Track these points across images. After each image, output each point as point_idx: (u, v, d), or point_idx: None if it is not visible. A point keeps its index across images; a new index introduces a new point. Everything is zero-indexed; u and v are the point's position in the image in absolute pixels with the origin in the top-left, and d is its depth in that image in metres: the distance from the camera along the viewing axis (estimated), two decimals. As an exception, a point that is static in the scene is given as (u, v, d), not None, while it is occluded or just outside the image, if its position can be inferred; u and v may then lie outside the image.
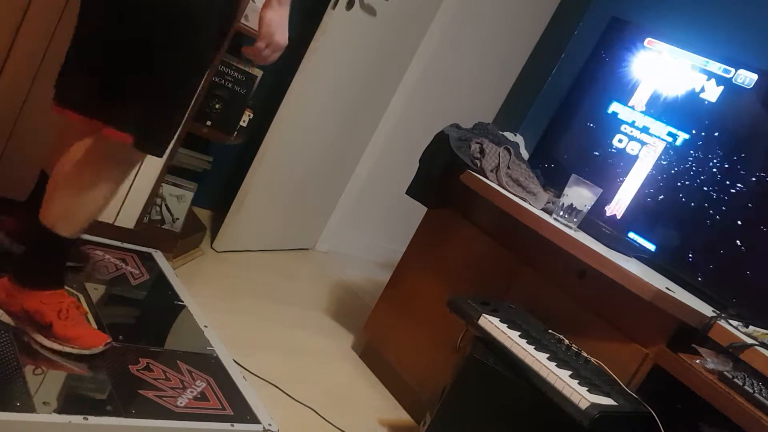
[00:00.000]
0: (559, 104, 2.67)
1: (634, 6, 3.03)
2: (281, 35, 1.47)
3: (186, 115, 1.64)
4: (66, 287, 1.59)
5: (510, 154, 2.22)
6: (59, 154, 1.70)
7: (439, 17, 3.13)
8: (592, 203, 1.99)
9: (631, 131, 2.36)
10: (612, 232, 2.20)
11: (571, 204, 1.98)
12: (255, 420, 1.61)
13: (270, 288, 2.73)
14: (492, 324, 1.70)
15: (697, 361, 1.58)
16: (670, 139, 2.27)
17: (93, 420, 1.35)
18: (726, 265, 2.01)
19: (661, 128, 2.30)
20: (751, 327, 1.66)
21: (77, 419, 1.33)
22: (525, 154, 2.40)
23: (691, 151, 2.20)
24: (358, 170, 3.33)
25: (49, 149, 1.73)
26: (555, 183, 2.44)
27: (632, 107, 2.39)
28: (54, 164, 1.70)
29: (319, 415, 1.96)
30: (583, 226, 2.03)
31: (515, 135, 2.45)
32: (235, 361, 1.83)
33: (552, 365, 1.57)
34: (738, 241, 2.01)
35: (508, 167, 2.18)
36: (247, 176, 2.76)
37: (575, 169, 2.14)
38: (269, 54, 1.48)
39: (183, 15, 1.40)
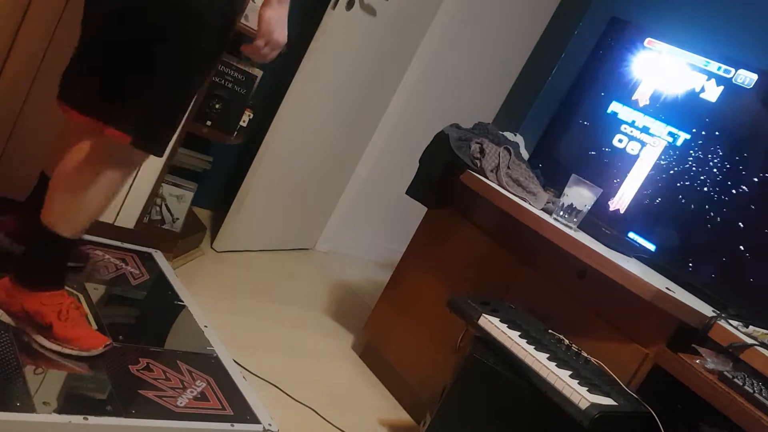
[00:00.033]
0: (559, 104, 2.67)
1: (634, 6, 3.03)
2: (280, 33, 1.47)
3: (186, 115, 1.64)
4: (66, 287, 1.59)
5: (510, 154, 2.22)
6: (59, 154, 1.70)
7: (439, 17, 3.13)
8: (592, 203, 1.99)
9: (631, 131, 2.36)
10: (612, 232, 2.20)
11: (571, 204, 1.98)
12: (255, 420, 1.61)
13: (270, 288, 2.73)
14: (492, 324, 1.70)
15: (697, 361, 1.58)
16: (670, 139, 2.27)
17: (93, 420, 1.35)
18: (726, 265, 2.01)
19: (661, 128, 2.30)
20: (751, 327, 1.66)
21: (77, 419, 1.33)
22: (525, 154, 2.40)
23: (691, 151, 2.20)
24: (358, 170, 3.33)
25: (49, 150, 1.73)
26: (555, 183, 2.44)
27: (632, 107, 2.39)
28: (54, 165, 1.71)
29: (319, 415, 1.96)
30: (583, 226, 2.03)
31: (515, 135, 2.45)
32: (235, 361, 1.83)
33: (552, 365, 1.57)
34: (738, 241, 2.01)
35: (508, 167, 2.18)
36: (247, 176, 2.76)
37: (575, 169, 2.14)
38: (268, 52, 1.48)
39: (184, 14, 1.40)
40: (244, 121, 2.52)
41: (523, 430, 1.63)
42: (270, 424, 1.62)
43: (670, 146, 2.26)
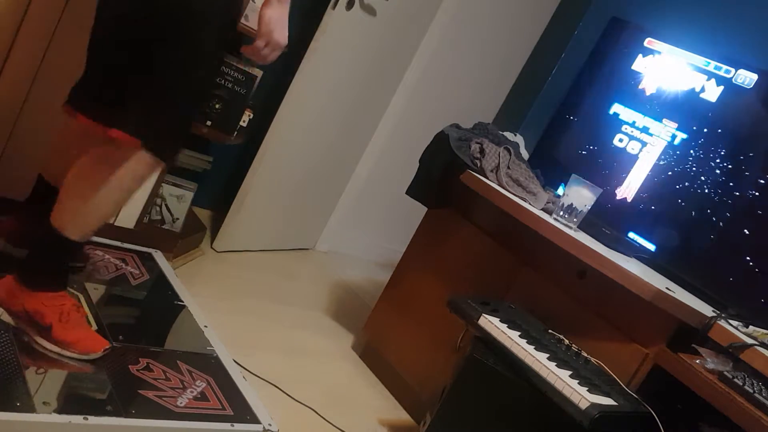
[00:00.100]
0: (559, 104, 2.67)
1: (634, 6, 3.03)
2: (280, 33, 1.46)
3: (194, 118, 1.63)
4: (67, 288, 1.59)
5: (510, 154, 2.22)
6: (58, 157, 1.71)
7: (439, 17, 3.13)
8: (592, 203, 1.99)
9: (632, 131, 2.36)
10: (612, 232, 2.20)
11: (571, 204, 1.98)
12: (255, 420, 1.61)
13: (270, 288, 2.73)
14: (492, 324, 1.70)
15: (697, 361, 1.58)
16: (669, 140, 2.27)
17: (93, 420, 1.35)
18: (726, 265, 2.01)
19: (660, 128, 2.30)
20: (751, 327, 1.66)
21: (77, 419, 1.33)
22: (525, 154, 2.40)
23: (691, 151, 2.20)
24: (358, 170, 3.33)
25: (47, 152, 1.73)
26: (555, 183, 2.44)
27: (632, 107, 2.39)
28: (52, 168, 1.71)
29: (319, 415, 1.96)
30: (583, 226, 2.03)
31: (515, 135, 2.45)
32: (235, 361, 1.83)
33: (552, 365, 1.57)
34: (738, 241, 2.01)
35: (508, 167, 2.18)
36: (247, 176, 2.76)
37: (575, 169, 2.14)
38: (268, 53, 1.47)
39: (186, 12, 1.39)
40: (244, 121, 2.52)
41: (523, 430, 1.63)
42: (270, 424, 1.62)
43: (670, 146, 2.26)
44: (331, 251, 3.47)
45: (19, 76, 1.88)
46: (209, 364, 1.75)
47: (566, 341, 1.75)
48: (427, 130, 2.33)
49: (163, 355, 1.69)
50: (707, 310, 1.76)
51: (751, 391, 1.45)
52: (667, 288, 1.74)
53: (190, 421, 1.50)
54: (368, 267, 3.55)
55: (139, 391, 1.51)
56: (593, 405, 1.45)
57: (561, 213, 2.00)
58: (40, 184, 1.72)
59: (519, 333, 1.69)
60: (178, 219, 2.44)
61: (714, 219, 2.09)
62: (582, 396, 1.47)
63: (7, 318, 1.50)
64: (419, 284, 2.33)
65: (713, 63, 2.23)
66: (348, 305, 2.93)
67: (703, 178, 2.14)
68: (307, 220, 3.28)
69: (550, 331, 1.79)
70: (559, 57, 3.46)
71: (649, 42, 2.41)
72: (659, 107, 2.32)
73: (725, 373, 1.51)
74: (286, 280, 2.92)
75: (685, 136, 2.23)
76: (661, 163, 2.26)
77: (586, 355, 1.71)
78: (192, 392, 1.59)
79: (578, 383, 1.52)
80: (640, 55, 2.41)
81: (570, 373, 1.56)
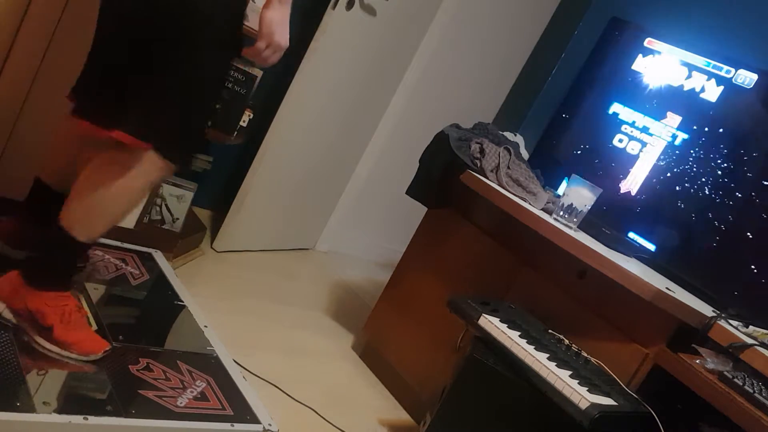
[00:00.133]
0: (559, 104, 2.67)
1: (634, 6, 3.03)
2: (281, 35, 1.44)
3: (202, 120, 1.61)
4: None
5: (510, 154, 2.22)
6: (54, 158, 1.71)
7: (439, 17, 3.13)
8: (592, 203, 1.99)
9: (632, 131, 2.36)
10: (612, 232, 2.20)
11: (571, 204, 1.98)
12: (255, 420, 1.61)
13: (270, 288, 2.73)
14: (492, 324, 1.70)
15: (697, 361, 1.58)
16: (670, 139, 2.27)
17: (93, 420, 1.35)
18: (726, 266, 2.01)
19: (661, 128, 2.30)
20: (751, 327, 1.66)
21: (77, 419, 1.33)
22: (525, 154, 2.40)
23: (691, 151, 2.20)
24: (358, 170, 3.33)
25: (45, 154, 1.73)
26: (555, 183, 2.45)
27: (632, 107, 2.39)
28: (49, 169, 1.71)
29: (319, 415, 1.96)
30: (583, 226, 2.03)
31: (515, 135, 2.45)
32: (235, 361, 1.83)
33: (552, 365, 1.57)
34: (738, 241, 2.01)
35: (508, 167, 2.18)
36: (247, 176, 2.76)
37: (575, 169, 2.14)
38: (270, 54, 1.46)
39: (186, 12, 1.39)
40: (244, 121, 2.52)
41: (523, 430, 1.63)
42: (270, 424, 1.62)
43: (670, 146, 2.26)
44: (331, 251, 3.47)
45: (19, 76, 1.88)
46: (209, 364, 1.75)
47: (566, 341, 1.75)
48: (427, 130, 2.33)
49: (163, 355, 1.69)
50: (707, 310, 1.76)
51: (751, 391, 1.45)
52: (667, 288, 1.74)
53: (190, 421, 1.50)
54: (368, 267, 3.55)
55: (139, 391, 1.51)
56: (593, 405, 1.45)
57: (561, 213, 2.00)
58: (37, 186, 1.72)
59: (519, 333, 1.69)
60: (178, 219, 2.44)
61: (714, 219, 2.09)
62: (582, 396, 1.47)
63: (8, 315, 1.50)
64: (419, 284, 2.33)
65: (713, 63, 2.23)
66: (348, 305, 2.93)
67: (703, 178, 2.14)
68: (307, 220, 3.28)
69: (550, 331, 1.79)
70: (559, 57, 3.46)
71: (649, 42, 2.41)
72: (659, 107, 2.32)
73: (725, 373, 1.51)
74: (286, 280, 2.92)
75: (685, 136, 2.23)
76: (661, 163, 2.26)
77: (586, 355, 1.71)
78: (192, 392, 1.59)
79: (578, 383, 1.52)
80: (640, 55, 2.41)
81: (570, 373, 1.56)
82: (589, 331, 1.81)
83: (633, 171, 2.32)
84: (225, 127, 2.43)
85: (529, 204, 2.08)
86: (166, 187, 2.37)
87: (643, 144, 2.32)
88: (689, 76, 2.28)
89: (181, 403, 1.53)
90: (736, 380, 1.48)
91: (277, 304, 2.61)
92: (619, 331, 1.77)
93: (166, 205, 2.40)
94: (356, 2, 2.63)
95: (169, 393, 1.55)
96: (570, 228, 1.96)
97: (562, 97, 2.69)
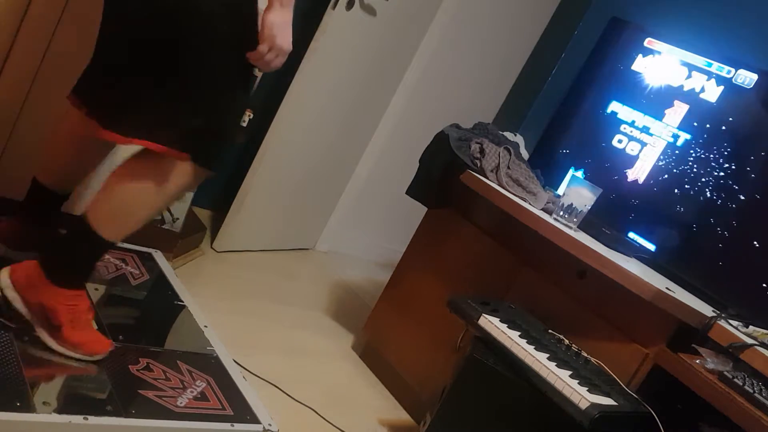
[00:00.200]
0: (559, 104, 2.67)
1: (634, 6, 3.03)
2: (283, 38, 1.42)
3: (238, 121, 1.60)
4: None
5: (510, 154, 2.22)
6: (52, 159, 1.70)
7: (439, 17, 3.13)
8: (592, 203, 1.99)
9: (631, 131, 2.36)
10: (612, 232, 2.20)
11: (571, 204, 1.98)
12: (255, 420, 1.61)
13: (270, 288, 2.73)
14: (492, 324, 1.70)
15: (697, 361, 1.58)
16: (670, 139, 2.27)
17: (93, 420, 1.35)
18: (726, 265, 2.01)
19: (661, 128, 2.30)
20: (751, 327, 1.66)
21: (77, 419, 1.33)
22: (525, 154, 2.40)
23: (691, 151, 2.20)
24: (358, 170, 3.33)
25: (43, 155, 1.72)
26: (555, 183, 2.45)
27: (632, 107, 2.39)
28: (47, 170, 1.70)
29: (319, 415, 1.96)
30: (583, 226, 2.03)
31: (515, 135, 2.45)
32: (235, 361, 1.83)
33: (552, 365, 1.57)
34: (738, 241, 2.01)
35: (508, 167, 2.18)
36: (247, 176, 2.76)
37: (577, 163, 2.14)
38: (272, 58, 1.43)
39: (189, 12, 1.38)
40: (244, 121, 2.52)
41: (523, 430, 1.63)
42: (270, 424, 1.62)
43: (670, 146, 2.26)
44: (331, 251, 3.47)
45: (19, 76, 1.88)
46: (209, 364, 1.75)
47: (566, 341, 1.75)
48: (427, 130, 2.33)
49: (163, 355, 1.69)
50: (707, 310, 1.76)
51: (751, 391, 1.45)
52: (667, 288, 1.74)
53: (190, 421, 1.50)
54: (368, 267, 3.55)
55: (139, 391, 1.50)
56: (593, 405, 1.45)
57: (561, 213, 2.00)
58: (35, 188, 1.71)
59: (519, 333, 1.69)
60: (178, 219, 2.43)
61: (714, 219, 2.09)
62: (582, 396, 1.47)
63: (19, 305, 1.47)
64: (419, 284, 2.33)
65: (713, 63, 2.23)
66: (348, 305, 2.93)
67: (703, 178, 2.14)
68: (307, 220, 3.28)
69: (550, 331, 1.79)
70: (559, 57, 3.46)
71: (649, 42, 2.41)
72: (659, 107, 2.32)
73: (725, 373, 1.51)
74: (286, 280, 2.92)
75: (685, 136, 2.23)
76: (661, 163, 2.26)
77: (586, 355, 1.71)
78: (192, 392, 1.59)
79: (578, 383, 1.52)
80: (640, 55, 2.41)
81: (570, 373, 1.56)
82: (589, 331, 1.81)
83: (633, 171, 2.32)
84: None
85: (529, 204, 2.08)
86: (166, 187, 2.37)
87: (643, 144, 2.32)
88: (689, 76, 2.28)
89: (181, 403, 1.53)
90: (736, 380, 1.48)
91: (277, 304, 2.61)
92: (619, 331, 1.77)
93: (166, 205, 2.40)
94: (356, 2, 2.63)
95: (169, 393, 1.55)
96: (570, 228, 1.96)
97: (562, 97, 2.69)
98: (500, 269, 2.10)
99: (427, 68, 3.23)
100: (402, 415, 2.23)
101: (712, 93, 2.21)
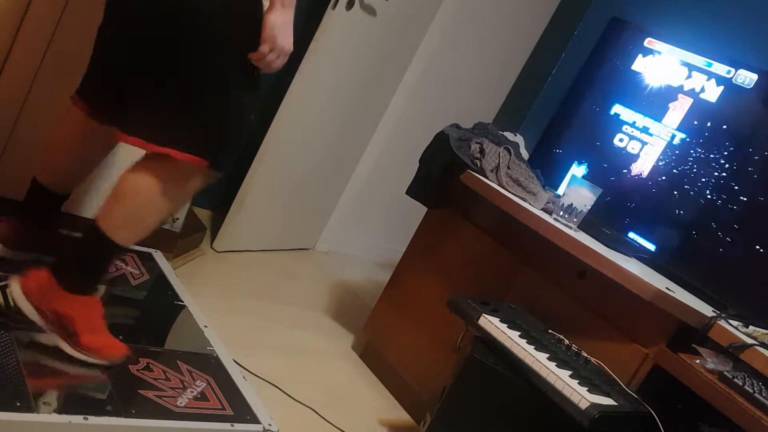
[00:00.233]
0: (559, 104, 2.67)
1: (634, 6, 3.03)
2: (285, 39, 1.42)
3: (249, 121, 1.59)
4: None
5: (510, 154, 2.22)
6: (52, 160, 1.70)
7: (439, 17, 3.13)
8: (592, 203, 1.99)
9: (632, 131, 2.36)
10: (612, 232, 2.20)
11: (571, 204, 1.98)
12: (255, 420, 1.61)
13: (270, 288, 2.73)
14: (492, 324, 1.70)
15: (697, 361, 1.58)
16: (669, 139, 2.26)
17: (93, 420, 1.35)
18: (726, 265, 2.01)
19: (660, 128, 2.30)
20: (751, 327, 1.66)
21: (77, 419, 1.33)
22: (525, 154, 2.40)
23: (691, 151, 2.20)
24: (358, 170, 3.33)
25: (41, 154, 1.72)
26: (555, 183, 2.45)
27: (632, 107, 2.39)
28: (47, 171, 1.70)
29: (319, 415, 1.96)
30: (583, 226, 2.03)
31: (515, 135, 2.45)
32: (235, 361, 1.83)
33: (552, 365, 1.57)
34: (738, 241, 2.01)
35: (508, 167, 2.18)
36: (247, 176, 2.76)
37: (579, 158, 2.14)
38: (274, 59, 1.43)
39: (190, 13, 1.38)
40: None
41: (523, 430, 1.63)
42: (270, 424, 1.62)
43: (670, 146, 2.26)
44: (331, 251, 3.47)
45: (19, 76, 1.88)
46: (209, 364, 1.75)
47: (566, 341, 1.75)
48: (427, 130, 2.33)
49: (163, 355, 1.69)
50: (707, 310, 1.76)
51: (751, 391, 1.45)
52: (667, 288, 1.74)
53: (190, 421, 1.50)
54: (368, 267, 3.55)
55: (139, 391, 1.50)
56: (593, 405, 1.45)
57: (561, 213, 2.00)
58: (35, 188, 1.71)
59: (519, 333, 1.69)
60: (178, 219, 2.43)
61: (714, 219, 2.09)
62: (582, 396, 1.47)
63: (33, 315, 1.46)
64: (419, 284, 2.33)
65: (713, 63, 2.23)
66: (348, 305, 2.93)
67: (703, 178, 2.14)
68: (307, 220, 3.28)
69: (550, 331, 1.79)
70: (559, 57, 3.46)
71: (649, 42, 2.41)
72: (659, 107, 2.32)
73: (725, 373, 1.51)
74: (286, 280, 2.92)
75: (684, 136, 2.23)
76: (661, 163, 2.26)
77: (586, 355, 1.71)
78: (192, 392, 1.59)
79: (578, 383, 1.52)
80: (640, 55, 2.41)
81: (570, 373, 1.56)
82: (589, 331, 1.81)
83: (633, 171, 2.32)
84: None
85: (529, 204, 2.08)
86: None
87: (643, 143, 2.32)
88: (689, 76, 2.28)
89: (181, 403, 1.53)
90: (736, 380, 1.48)
91: (277, 304, 2.61)
92: (619, 331, 1.77)
93: (166, 205, 2.40)
94: (356, 2, 2.63)
95: (169, 393, 1.55)
96: (570, 228, 1.96)
97: (562, 97, 2.69)
98: (500, 269, 2.10)
99: (427, 68, 3.23)
100: (402, 415, 2.23)
101: (712, 93, 2.21)
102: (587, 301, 1.87)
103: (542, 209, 2.11)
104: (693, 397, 1.51)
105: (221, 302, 2.37)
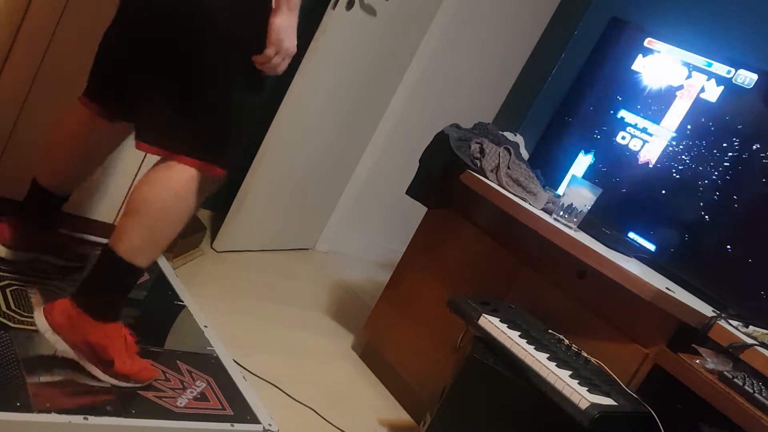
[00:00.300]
0: (559, 104, 2.67)
1: (634, 6, 3.03)
2: (290, 42, 1.42)
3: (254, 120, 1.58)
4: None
5: (510, 154, 2.22)
6: (53, 160, 1.70)
7: (439, 17, 3.13)
8: (592, 203, 1.99)
9: (632, 131, 2.36)
10: (612, 232, 2.20)
11: (571, 204, 1.98)
12: (255, 420, 1.61)
13: (270, 288, 2.73)
14: (492, 324, 1.70)
15: (697, 361, 1.58)
16: (669, 140, 2.26)
17: (93, 420, 1.35)
18: (726, 265, 2.01)
19: (660, 128, 2.30)
20: (751, 327, 1.66)
21: (77, 419, 1.33)
22: (525, 154, 2.40)
23: (691, 151, 2.20)
24: (358, 170, 3.33)
25: (41, 154, 1.72)
26: (555, 183, 2.44)
27: (632, 107, 2.39)
28: (47, 171, 1.70)
29: (319, 415, 1.96)
30: (583, 226, 2.03)
31: (515, 135, 2.45)
32: (235, 361, 1.83)
33: (552, 365, 1.57)
34: (738, 241, 2.01)
35: (508, 167, 2.18)
36: (247, 176, 2.76)
37: (575, 169, 2.14)
38: (279, 61, 1.43)
39: (191, 13, 1.38)
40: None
41: (523, 430, 1.63)
42: (270, 424, 1.62)
43: (670, 146, 2.26)
44: (331, 251, 3.47)
45: (19, 76, 1.88)
46: (209, 364, 1.75)
47: (566, 341, 1.75)
48: (427, 130, 2.33)
49: (163, 355, 1.69)
50: (707, 310, 1.76)
51: (751, 391, 1.45)
52: (667, 288, 1.74)
53: (190, 422, 1.50)
54: (368, 267, 3.55)
55: (139, 392, 1.50)
56: (593, 405, 1.45)
57: (561, 213, 2.00)
58: (35, 189, 1.71)
59: (519, 333, 1.69)
60: (178, 219, 2.43)
61: (714, 219, 2.08)
62: (582, 396, 1.47)
63: (63, 347, 1.44)
64: (419, 284, 2.33)
65: (713, 63, 2.23)
66: (348, 305, 2.93)
67: (703, 178, 2.14)
68: (307, 220, 3.28)
69: (550, 331, 1.79)
70: (559, 57, 3.46)
71: (649, 42, 2.41)
72: (659, 107, 2.32)
73: (725, 373, 1.51)
74: (286, 280, 2.92)
75: (684, 136, 2.23)
76: (661, 163, 2.26)
77: (586, 355, 1.71)
78: (192, 392, 1.59)
79: (578, 383, 1.52)
80: (640, 55, 2.41)
81: (570, 373, 1.56)
82: (589, 331, 1.81)
83: (633, 171, 2.32)
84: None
85: (529, 204, 2.08)
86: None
87: (643, 143, 2.32)
88: (689, 76, 2.28)
89: (181, 403, 1.53)
90: (736, 380, 1.48)
91: (277, 304, 2.61)
92: (619, 331, 1.77)
93: (166, 205, 2.40)
94: (356, 2, 2.63)
95: (169, 393, 1.55)
96: (570, 228, 1.96)
97: (562, 97, 2.69)
98: (500, 269, 2.10)
99: (427, 68, 3.23)
100: (402, 415, 2.23)
101: (712, 93, 2.21)
102: (587, 301, 1.87)
103: (542, 209, 2.11)
104: (693, 397, 1.51)
105: (221, 302, 2.37)
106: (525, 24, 3.50)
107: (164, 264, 2.19)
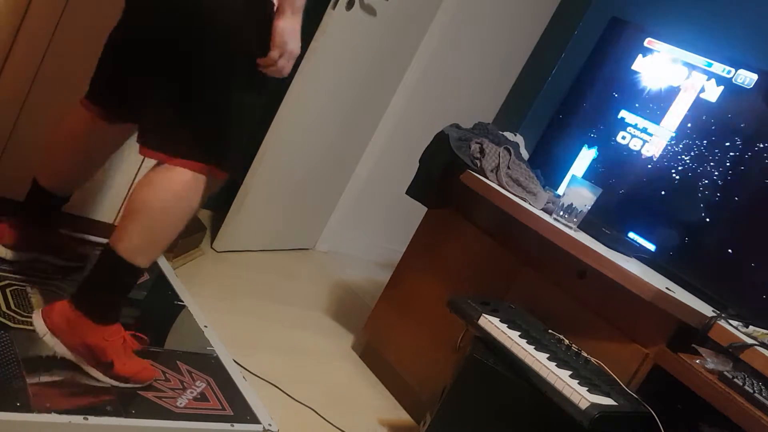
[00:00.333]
0: (559, 104, 2.67)
1: (634, 6, 3.03)
2: (294, 44, 1.42)
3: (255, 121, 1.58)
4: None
5: (510, 154, 2.22)
6: (53, 161, 1.70)
7: (439, 17, 3.13)
8: (592, 203, 1.99)
9: (632, 131, 2.36)
10: (612, 232, 2.20)
11: (571, 204, 1.98)
12: (255, 420, 1.61)
13: (270, 288, 2.73)
14: (492, 324, 1.70)
15: (697, 361, 1.58)
16: (669, 140, 2.26)
17: (93, 420, 1.35)
18: (726, 265, 2.01)
19: (660, 129, 2.30)
20: (751, 327, 1.66)
21: (77, 419, 1.33)
22: (525, 154, 2.40)
23: (691, 152, 2.20)
24: (358, 170, 3.33)
25: (43, 155, 1.72)
26: (555, 183, 2.44)
27: (632, 107, 2.39)
28: (47, 171, 1.70)
29: (319, 415, 1.96)
30: (583, 226, 2.03)
31: (515, 135, 2.45)
32: (235, 361, 1.83)
33: (552, 365, 1.57)
34: (738, 241, 2.01)
35: (508, 167, 2.18)
36: (247, 176, 2.76)
37: (575, 169, 2.14)
38: (284, 64, 1.43)
39: (192, 14, 1.38)
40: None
41: (523, 430, 1.63)
42: (270, 424, 1.62)
43: (669, 146, 2.26)
44: (331, 251, 3.47)
45: (19, 76, 1.88)
46: (209, 364, 1.75)
47: (566, 341, 1.75)
48: (427, 130, 2.33)
49: (162, 356, 1.69)
50: (707, 310, 1.76)
51: (751, 391, 1.45)
52: (667, 288, 1.74)
53: (190, 422, 1.50)
54: (368, 267, 3.55)
55: (139, 392, 1.50)
56: (593, 405, 1.45)
57: (561, 213, 2.00)
58: (35, 189, 1.71)
59: (519, 333, 1.69)
60: (178, 219, 2.43)
61: (714, 219, 2.08)
62: (582, 396, 1.47)
63: (61, 350, 1.44)
64: (419, 284, 2.33)
65: (713, 63, 2.23)
66: (348, 305, 2.93)
67: (703, 178, 2.14)
68: (307, 220, 3.28)
69: (550, 331, 1.79)
70: (559, 57, 3.46)
71: (649, 42, 2.41)
72: (659, 107, 2.32)
73: (725, 373, 1.51)
74: (286, 280, 2.92)
75: (684, 136, 2.23)
76: (661, 163, 2.26)
77: (586, 355, 1.71)
78: (192, 393, 1.59)
79: (578, 383, 1.52)
80: (640, 55, 2.41)
81: (570, 373, 1.56)
82: (589, 331, 1.81)
83: (633, 171, 2.32)
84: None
85: (529, 204, 2.08)
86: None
87: (643, 143, 2.32)
88: (689, 76, 2.28)
89: (180, 403, 1.53)
90: (736, 380, 1.48)
91: (277, 304, 2.61)
92: (619, 331, 1.77)
93: (166, 205, 2.40)
94: (356, 2, 2.63)
95: (169, 393, 1.55)
96: (570, 228, 1.96)
97: (562, 97, 2.69)
98: (500, 269, 2.10)
99: (427, 68, 3.23)
100: (402, 415, 2.23)
101: (712, 93, 2.21)
102: (587, 301, 1.87)
103: (542, 209, 2.11)
104: (693, 397, 1.51)
105: (221, 302, 2.37)
106: (525, 24, 3.50)
107: (164, 264, 2.19)
